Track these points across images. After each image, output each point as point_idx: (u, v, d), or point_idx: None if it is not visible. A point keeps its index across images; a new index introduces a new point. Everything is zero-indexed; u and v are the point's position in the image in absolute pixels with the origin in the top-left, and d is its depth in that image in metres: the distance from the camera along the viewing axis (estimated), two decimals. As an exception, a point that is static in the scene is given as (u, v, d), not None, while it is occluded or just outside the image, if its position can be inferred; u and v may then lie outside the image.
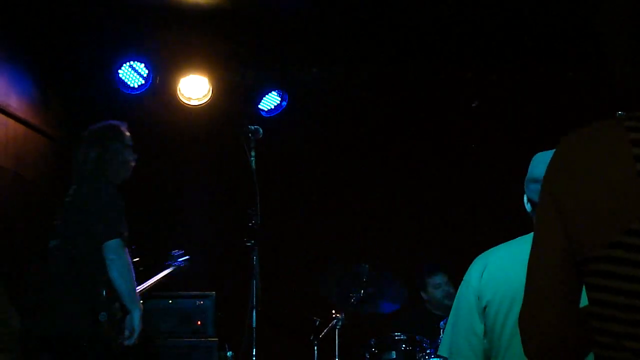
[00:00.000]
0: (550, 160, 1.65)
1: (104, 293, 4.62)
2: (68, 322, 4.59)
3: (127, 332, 4.67)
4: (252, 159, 5.06)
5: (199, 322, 6.11)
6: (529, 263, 1.68)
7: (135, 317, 4.65)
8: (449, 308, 6.32)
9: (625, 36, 1.61)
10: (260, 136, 5.18)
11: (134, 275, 4.67)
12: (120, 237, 4.61)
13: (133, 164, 5.06)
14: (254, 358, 4.84)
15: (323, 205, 7.61)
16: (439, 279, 6.53)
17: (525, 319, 1.69)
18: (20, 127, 6.27)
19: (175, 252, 6.18)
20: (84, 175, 4.88)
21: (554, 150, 1.66)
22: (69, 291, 4.63)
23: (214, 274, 7.31)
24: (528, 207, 2.78)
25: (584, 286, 1.63)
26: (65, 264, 4.70)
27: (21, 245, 6.13)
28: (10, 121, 6.11)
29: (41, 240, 6.27)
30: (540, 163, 2.65)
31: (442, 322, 5.67)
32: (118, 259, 4.56)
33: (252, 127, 5.18)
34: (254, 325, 4.86)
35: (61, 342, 4.59)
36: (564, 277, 1.62)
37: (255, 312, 4.87)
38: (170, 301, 6.15)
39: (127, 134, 5.07)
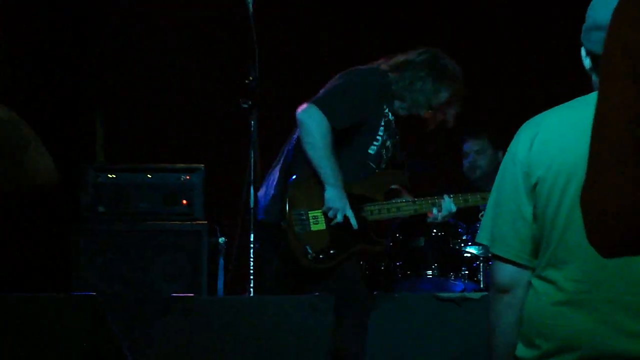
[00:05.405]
0: (618, 2, 1.51)
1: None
2: None
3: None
4: (249, 4, 4.66)
5: (184, 202, 5.60)
6: (593, 124, 1.52)
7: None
8: (473, 182, 6.02)
9: None
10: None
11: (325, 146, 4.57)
12: (316, 105, 4.60)
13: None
14: (252, 245, 4.38)
15: (332, 58, 7.14)
16: (467, 146, 6.30)
17: (590, 193, 1.52)
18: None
19: None
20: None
21: None
22: None
23: (203, 143, 6.97)
24: (587, 62, 2.56)
25: None
26: None
27: None
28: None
29: None
30: (602, 7, 2.44)
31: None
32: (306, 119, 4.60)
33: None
34: (252, 205, 4.44)
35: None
36: (637, 136, 1.47)
37: (253, 189, 4.47)
38: (149, 175, 5.58)
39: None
